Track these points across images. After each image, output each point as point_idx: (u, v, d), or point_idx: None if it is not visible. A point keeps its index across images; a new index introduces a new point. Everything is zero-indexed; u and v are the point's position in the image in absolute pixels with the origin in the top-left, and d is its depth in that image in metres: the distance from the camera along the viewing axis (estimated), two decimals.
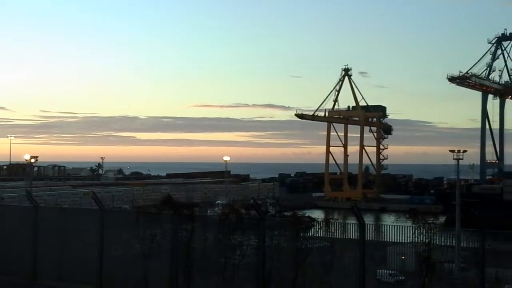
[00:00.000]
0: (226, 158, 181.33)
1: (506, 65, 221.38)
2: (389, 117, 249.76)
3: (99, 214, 33.15)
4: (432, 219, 28.95)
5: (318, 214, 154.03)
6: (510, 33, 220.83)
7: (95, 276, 32.23)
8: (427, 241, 27.93)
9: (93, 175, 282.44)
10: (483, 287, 26.59)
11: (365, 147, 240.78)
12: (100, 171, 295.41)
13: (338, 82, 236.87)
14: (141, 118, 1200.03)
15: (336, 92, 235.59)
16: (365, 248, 27.92)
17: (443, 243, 31.21)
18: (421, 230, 27.92)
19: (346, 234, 30.05)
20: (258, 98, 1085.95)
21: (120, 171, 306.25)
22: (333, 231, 30.06)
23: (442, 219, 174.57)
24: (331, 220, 30.69)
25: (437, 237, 28.76)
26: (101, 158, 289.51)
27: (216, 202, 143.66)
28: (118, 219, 35.22)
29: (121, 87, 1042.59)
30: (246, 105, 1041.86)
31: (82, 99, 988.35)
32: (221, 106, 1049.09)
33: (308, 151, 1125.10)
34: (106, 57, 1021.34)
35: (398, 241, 32.35)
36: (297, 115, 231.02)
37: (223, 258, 29.05)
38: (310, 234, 29.52)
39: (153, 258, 30.68)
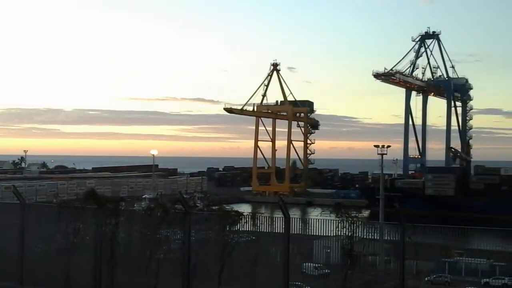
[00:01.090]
0: (154, 152, 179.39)
1: (429, 62, 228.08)
2: (316, 112, 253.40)
3: (20, 208, 32.14)
4: (354, 212, 29.51)
5: (245, 208, 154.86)
6: (433, 32, 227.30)
7: (16, 273, 31.31)
8: (349, 234, 28.44)
9: (15, 169, 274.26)
10: (403, 278, 27.26)
11: (292, 142, 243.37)
12: (23, 165, 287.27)
13: (267, 77, 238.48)
14: (66, 110, 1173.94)
15: (265, 87, 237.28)
16: (292, 242, 28.14)
17: (367, 236, 31.90)
18: (344, 224, 28.40)
19: (274, 228, 30.22)
20: (187, 91, 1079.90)
21: (44, 164, 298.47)
22: (259, 225, 30.19)
23: (366, 213, 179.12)
24: (258, 214, 30.83)
25: (360, 231, 29.33)
26: (24, 151, 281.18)
27: (143, 196, 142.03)
28: (40, 214, 34.21)
29: (46, 79, 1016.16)
30: (175, 99, 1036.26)
31: (4, 91, 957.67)
32: (149, 99, 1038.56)
33: (237, 145, 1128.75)
34: (31, 45, 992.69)
35: (324, 234, 32.82)
36: (225, 109, 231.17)
37: (148, 253, 28.76)
38: (237, 228, 29.56)
39: (76, 253, 30.07)
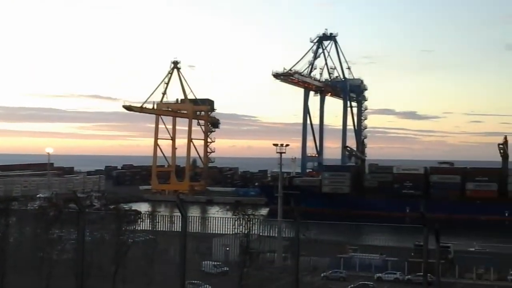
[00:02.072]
0: (49, 150, 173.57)
1: (326, 63, 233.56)
2: (216, 111, 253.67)
3: None
4: (251, 210, 29.83)
5: (144, 207, 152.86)
6: (330, 33, 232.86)
7: None
8: (246, 232, 28.70)
9: None
10: (298, 275, 27.78)
11: (193, 140, 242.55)
12: None
13: (167, 75, 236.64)
14: None
15: (165, 85, 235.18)
16: (191, 241, 27.99)
17: (264, 234, 32.38)
18: (241, 222, 28.64)
19: (172, 227, 30.04)
20: (84, 88, 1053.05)
21: None
22: (157, 224, 29.95)
23: (265, 210, 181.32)
24: (156, 213, 30.56)
25: (256, 228, 29.69)
26: None
27: (38, 196, 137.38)
28: None
29: None
30: (72, 95, 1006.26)
31: None
32: (44, 96, 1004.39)
33: (136, 143, 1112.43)
34: None
35: (223, 232, 32.95)
36: (124, 106, 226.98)
37: (41, 253, 27.88)
38: (135, 228, 29.19)
39: None
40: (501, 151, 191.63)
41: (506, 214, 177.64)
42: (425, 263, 37.60)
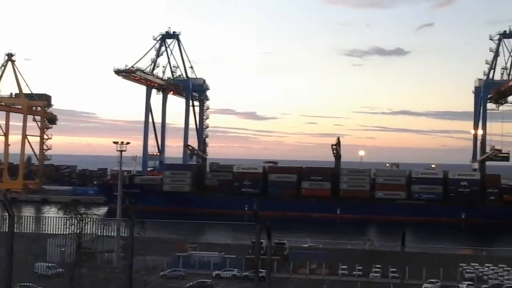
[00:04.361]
0: None
1: (169, 62, 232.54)
2: (54, 107, 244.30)
3: None
4: (84, 209, 29.19)
5: None
6: (173, 32, 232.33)
7: None
8: (79, 231, 28.05)
9: None
10: (131, 274, 27.60)
11: (28, 137, 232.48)
12: None
13: (1, 67, 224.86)
14: None
15: None
16: (24, 241, 26.81)
17: (101, 233, 31.66)
18: (73, 221, 27.94)
19: (4, 227, 28.55)
20: None
21: None
22: None
23: (104, 209, 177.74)
24: None
25: (91, 227, 29.07)
26: None
27: None
28: None
29: None
30: None
31: None
32: None
33: None
34: None
35: (59, 233, 31.85)
36: None
37: None
38: None
39: None
40: (334, 151, 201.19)
41: (338, 212, 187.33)
42: (257, 259, 38.89)
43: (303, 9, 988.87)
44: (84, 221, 27.69)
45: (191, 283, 73.77)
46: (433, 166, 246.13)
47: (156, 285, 73.09)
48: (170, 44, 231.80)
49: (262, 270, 55.84)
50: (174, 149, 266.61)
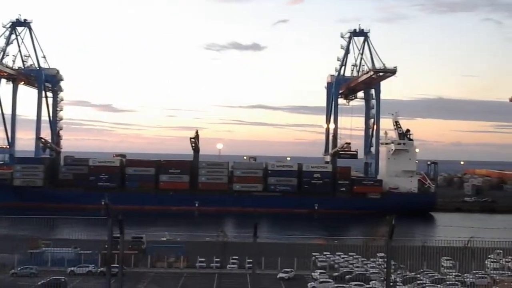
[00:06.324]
0: None
1: (20, 50, 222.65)
2: None
3: None
4: None
5: None
6: (24, 20, 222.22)
7: None
8: None
9: None
10: None
11: None
12: None
13: None
14: None
15: None
16: None
17: None
18: None
19: None
20: None
21: None
22: None
23: None
24: None
25: None
26: None
27: None
28: None
29: None
30: None
31: None
32: None
33: None
34: None
35: None
36: None
37: None
38: None
39: None
40: (193, 144, 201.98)
41: (196, 205, 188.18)
42: (109, 254, 38.48)
43: (164, 1, 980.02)
44: None
45: (44, 281, 71.30)
46: (288, 159, 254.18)
47: (6, 284, 70.06)
48: (21, 32, 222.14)
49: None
50: (26, 141, 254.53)
